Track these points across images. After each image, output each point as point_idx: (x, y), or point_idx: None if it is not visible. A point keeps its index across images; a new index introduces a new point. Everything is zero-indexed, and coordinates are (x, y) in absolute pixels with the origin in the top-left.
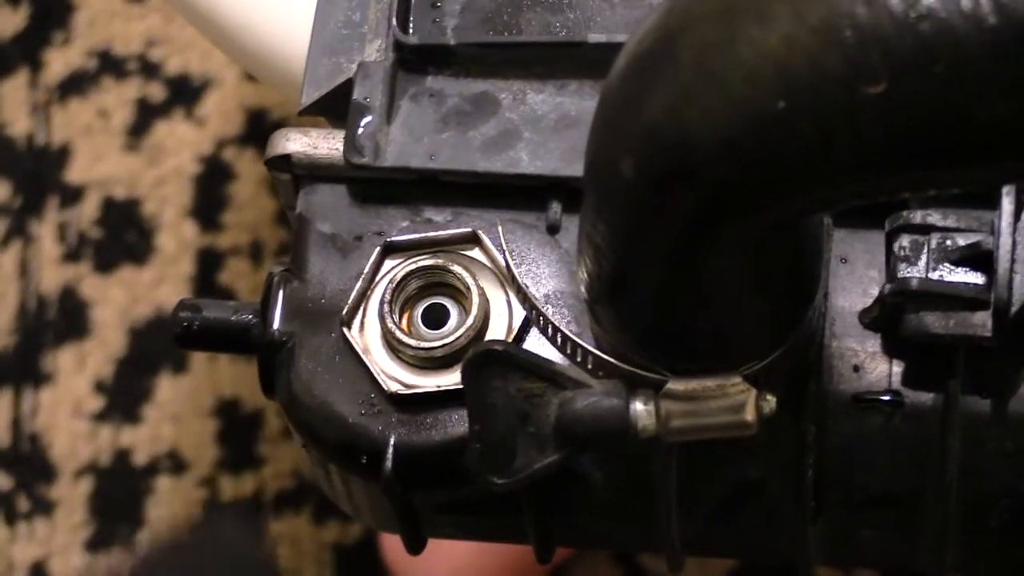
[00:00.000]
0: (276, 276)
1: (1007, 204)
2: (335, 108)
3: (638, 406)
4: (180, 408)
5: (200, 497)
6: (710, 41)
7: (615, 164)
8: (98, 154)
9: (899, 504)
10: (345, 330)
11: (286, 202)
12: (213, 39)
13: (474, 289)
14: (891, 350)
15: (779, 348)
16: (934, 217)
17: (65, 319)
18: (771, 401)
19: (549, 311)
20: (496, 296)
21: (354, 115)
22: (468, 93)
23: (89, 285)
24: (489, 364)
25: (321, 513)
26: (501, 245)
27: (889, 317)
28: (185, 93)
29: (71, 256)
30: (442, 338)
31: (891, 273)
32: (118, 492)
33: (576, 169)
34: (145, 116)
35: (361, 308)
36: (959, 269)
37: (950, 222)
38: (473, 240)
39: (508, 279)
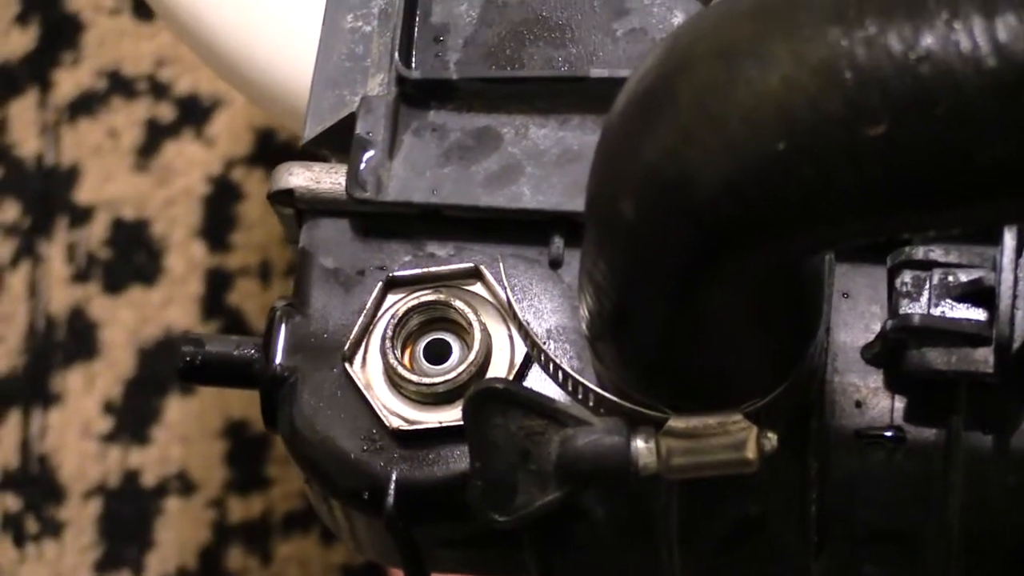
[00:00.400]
0: (279, 310)
1: (1009, 240)
2: (338, 141)
3: (639, 444)
4: (189, 429)
5: (209, 518)
6: (709, 82)
7: (615, 203)
8: (107, 174)
9: (902, 539)
10: (347, 365)
11: (289, 236)
12: (217, 70)
13: (476, 325)
14: (893, 386)
15: (781, 385)
16: (936, 253)
17: (74, 340)
18: (772, 439)
19: (551, 347)
20: (498, 331)
21: (357, 149)
22: (470, 127)
23: (98, 306)
24: (490, 401)
25: (329, 535)
26: (503, 280)
27: (891, 353)
28: (194, 113)
29: (80, 277)
30: (444, 374)
31: (893, 309)
32: (127, 513)
33: (578, 204)
34: (154, 136)
35: (363, 343)
36: (961, 305)
37: (952, 258)
38: (475, 275)
39: (510, 315)
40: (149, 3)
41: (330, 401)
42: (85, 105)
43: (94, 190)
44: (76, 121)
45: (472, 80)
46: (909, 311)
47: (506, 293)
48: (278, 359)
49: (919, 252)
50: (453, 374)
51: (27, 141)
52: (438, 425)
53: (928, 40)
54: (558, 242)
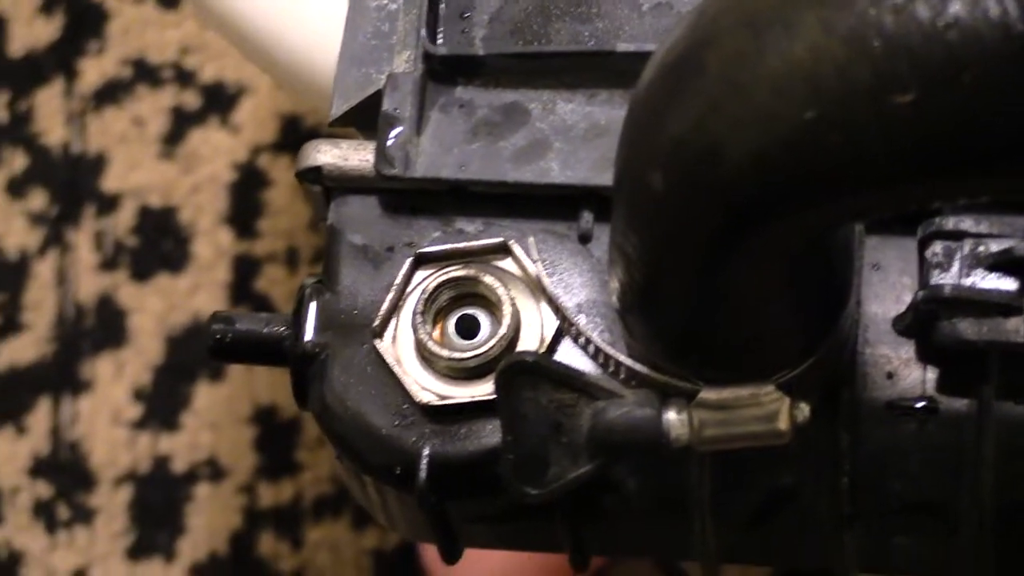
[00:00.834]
0: (308, 288)
1: None
2: (365, 119)
3: (671, 416)
4: (218, 415)
5: (239, 504)
6: (737, 52)
7: (644, 176)
8: (134, 162)
9: (934, 511)
10: (377, 341)
11: (317, 214)
12: (243, 51)
13: (506, 299)
14: (924, 357)
15: (812, 356)
16: (966, 223)
17: (102, 327)
18: (804, 409)
19: (581, 321)
20: (528, 306)
21: (384, 126)
22: (498, 103)
23: (126, 293)
24: (521, 374)
25: (360, 519)
26: (532, 255)
27: (922, 324)
28: (220, 100)
29: (108, 264)
30: (474, 348)
31: (924, 280)
32: (157, 500)
33: (607, 178)
34: (180, 124)
35: (393, 319)
36: (992, 275)
37: (983, 228)
38: (504, 250)
39: (540, 289)
40: None
41: (360, 377)
42: (110, 93)
43: (120, 178)
44: (102, 109)
45: (499, 56)
46: (940, 282)
47: (536, 268)
48: (308, 336)
49: (949, 223)
50: (484, 348)
51: (53, 130)
52: (469, 400)
53: (956, 7)
54: (587, 217)
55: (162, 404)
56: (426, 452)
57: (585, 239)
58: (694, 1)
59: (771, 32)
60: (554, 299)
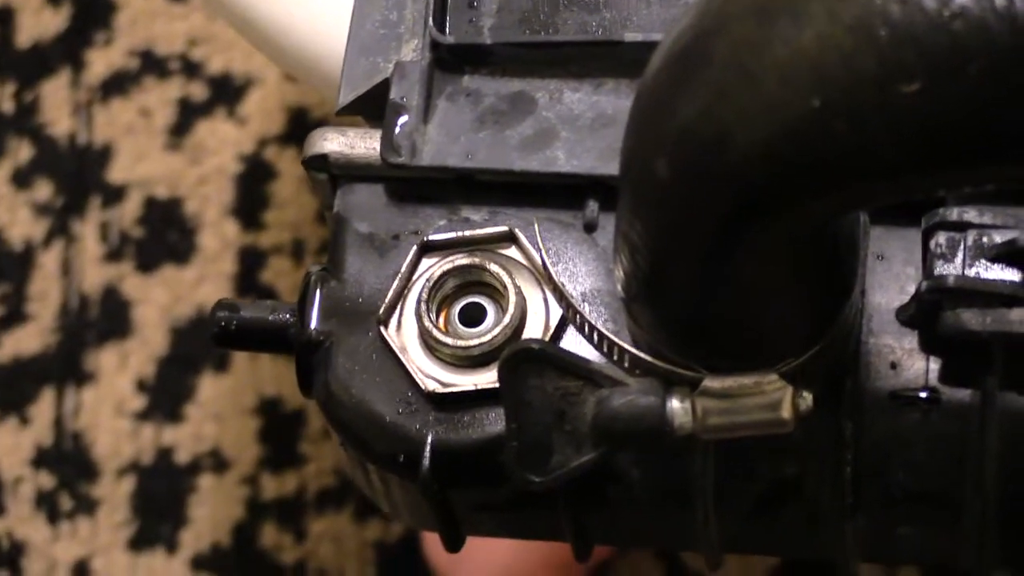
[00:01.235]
0: (313, 275)
1: None
2: (372, 108)
3: (675, 404)
4: (222, 407)
5: (242, 495)
6: (744, 41)
7: (650, 164)
8: (140, 153)
9: (937, 501)
10: (382, 329)
11: (323, 202)
12: (251, 40)
13: (511, 288)
14: (928, 347)
15: (816, 345)
16: (971, 214)
17: (107, 318)
18: (808, 398)
19: (586, 309)
20: (533, 295)
21: (391, 115)
22: (504, 92)
23: (131, 284)
24: (526, 362)
25: (363, 511)
26: (538, 243)
27: (926, 314)
28: (227, 92)
29: (113, 255)
30: (479, 336)
31: (928, 270)
32: (160, 491)
33: (613, 168)
34: (187, 115)
35: (398, 307)
36: (996, 266)
37: (987, 219)
38: (510, 239)
39: (545, 277)
40: None
41: (365, 365)
42: (117, 84)
43: (127, 169)
44: (108, 100)
45: (506, 45)
46: (944, 272)
47: (541, 256)
48: (313, 324)
49: (953, 213)
50: (488, 336)
51: (60, 121)
52: (473, 388)
53: None
54: (592, 206)
55: (166, 395)
56: (430, 440)
57: (590, 228)
58: None
59: (778, 21)
60: (559, 287)
